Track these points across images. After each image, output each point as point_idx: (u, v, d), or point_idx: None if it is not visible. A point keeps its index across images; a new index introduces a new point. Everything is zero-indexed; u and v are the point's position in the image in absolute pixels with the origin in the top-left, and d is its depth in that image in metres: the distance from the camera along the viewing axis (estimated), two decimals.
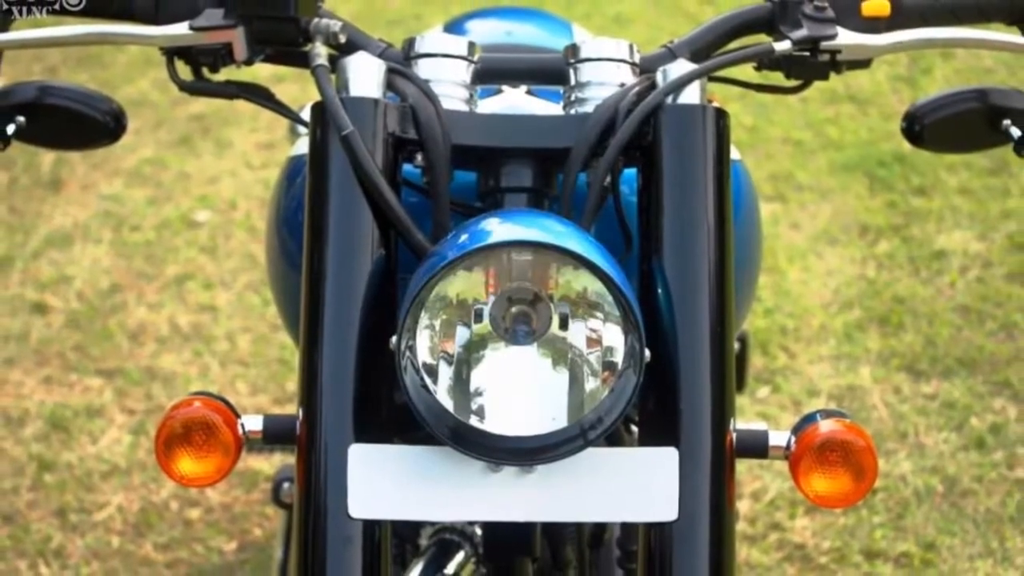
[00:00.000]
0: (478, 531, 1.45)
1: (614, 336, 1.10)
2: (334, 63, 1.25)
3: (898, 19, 1.34)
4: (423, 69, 1.28)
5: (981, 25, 1.39)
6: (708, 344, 1.15)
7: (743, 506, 2.62)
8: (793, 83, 1.38)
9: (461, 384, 1.10)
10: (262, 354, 3.11)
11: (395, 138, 1.21)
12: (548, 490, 1.11)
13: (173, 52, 1.32)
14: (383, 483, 1.11)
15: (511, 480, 1.11)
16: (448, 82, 1.28)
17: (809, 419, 1.18)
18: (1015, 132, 1.41)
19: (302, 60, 1.28)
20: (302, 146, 1.53)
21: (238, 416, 1.18)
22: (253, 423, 1.18)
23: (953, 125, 1.43)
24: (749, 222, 1.62)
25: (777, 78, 1.38)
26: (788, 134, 4.19)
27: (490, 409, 1.10)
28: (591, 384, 1.11)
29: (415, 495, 1.11)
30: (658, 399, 1.16)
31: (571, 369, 1.11)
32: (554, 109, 1.37)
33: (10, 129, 1.37)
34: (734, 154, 1.38)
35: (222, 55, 1.30)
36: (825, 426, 1.16)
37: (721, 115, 1.22)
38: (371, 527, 1.12)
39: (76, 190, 3.86)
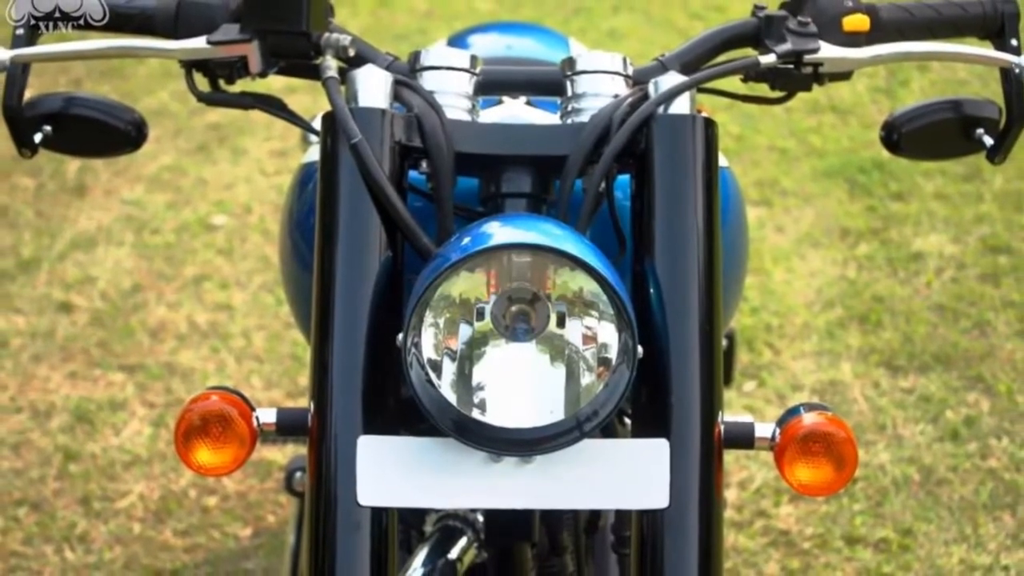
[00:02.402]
0: (480, 518, 1.44)
1: (608, 333, 1.10)
2: (344, 75, 1.24)
3: (877, 34, 1.34)
4: (428, 81, 1.28)
5: (956, 39, 1.38)
6: (697, 341, 1.15)
7: (731, 494, 2.61)
8: (778, 94, 1.38)
9: (464, 379, 1.10)
10: (276, 351, 3.11)
11: (401, 146, 1.21)
12: (546, 479, 1.11)
13: (191, 65, 1.32)
14: (390, 472, 1.11)
15: (511, 470, 1.11)
16: (451, 93, 1.28)
17: (793, 412, 1.18)
18: (988, 140, 1.41)
19: (314, 72, 1.28)
20: (313, 154, 1.53)
21: (253, 409, 1.17)
22: (267, 416, 1.18)
23: (929, 134, 1.43)
24: (736, 226, 1.62)
25: (763, 89, 1.38)
26: (773, 142, 4.19)
27: (491, 402, 1.10)
28: (587, 379, 1.11)
29: (420, 484, 1.11)
30: (650, 393, 1.16)
31: (568, 365, 1.11)
32: (552, 119, 1.37)
33: (37, 138, 1.37)
34: (722, 161, 1.38)
35: (238, 68, 1.30)
36: (808, 419, 1.16)
37: (710, 124, 1.22)
38: (379, 514, 1.12)
39: (100, 195, 3.86)
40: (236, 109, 1.37)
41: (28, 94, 1.35)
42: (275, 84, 1.38)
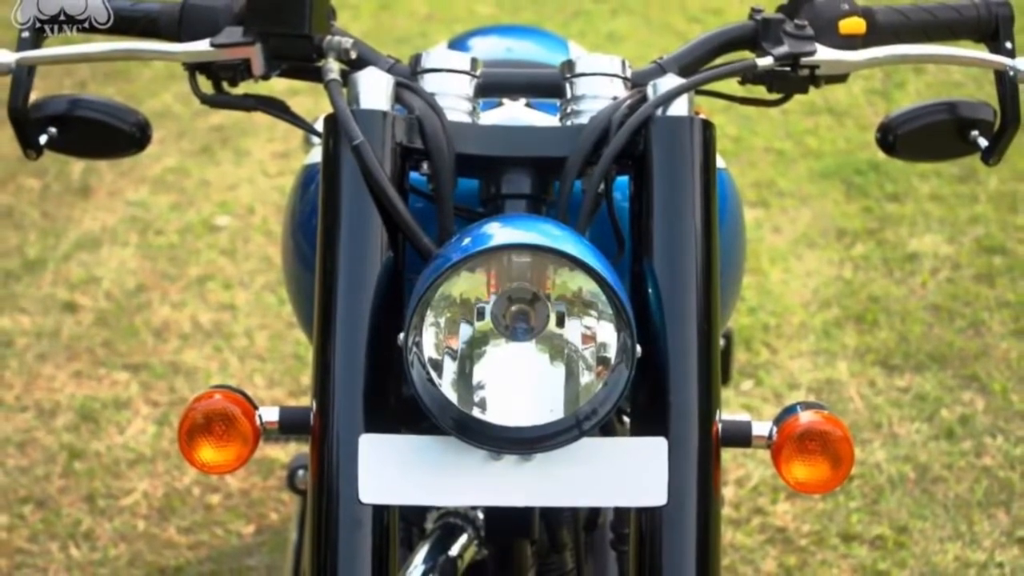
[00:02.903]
0: (480, 515, 1.44)
1: (607, 333, 1.10)
2: (346, 77, 1.24)
3: (873, 37, 1.34)
4: (429, 83, 1.28)
5: (951, 42, 1.39)
6: (695, 340, 1.15)
7: (728, 492, 2.62)
8: (775, 96, 1.38)
9: (464, 378, 1.10)
10: (278, 350, 3.11)
11: (403, 148, 1.21)
12: (546, 477, 1.11)
13: (195, 67, 1.32)
14: (391, 470, 1.11)
15: (511, 468, 1.11)
16: (452, 95, 1.28)
17: (790, 410, 1.18)
18: (982, 142, 1.41)
19: (316, 75, 1.28)
20: (316, 155, 1.53)
21: (256, 408, 1.17)
22: (270, 414, 1.18)
23: (924, 135, 1.43)
24: (734, 226, 1.62)
25: (760, 92, 1.38)
26: (770, 144, 4.19)
27: (491, 401, 1.10)
28: (586, 378, 1.11)
29: (421, 482, 1.11)
30: (649, 392, 1.16)
31: (567, 364, 1.11)
32: (551, 121, 1.37)
33: (43, 139, 1.37)
34: (720, 163, 1.38)
35: (241, 70, 1.30)
36: (805, 417, 1.16)
37: (708, 126, 1.22)
38: (380, 512, 1.12)
39: (104, 196, 3.86)
40: (239, 111, 1.37)
41: (33, 96, 1.35)
42: (277, 86, 1.38)
